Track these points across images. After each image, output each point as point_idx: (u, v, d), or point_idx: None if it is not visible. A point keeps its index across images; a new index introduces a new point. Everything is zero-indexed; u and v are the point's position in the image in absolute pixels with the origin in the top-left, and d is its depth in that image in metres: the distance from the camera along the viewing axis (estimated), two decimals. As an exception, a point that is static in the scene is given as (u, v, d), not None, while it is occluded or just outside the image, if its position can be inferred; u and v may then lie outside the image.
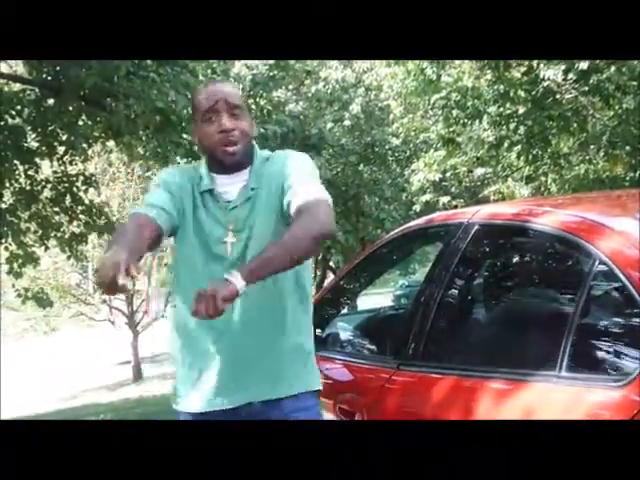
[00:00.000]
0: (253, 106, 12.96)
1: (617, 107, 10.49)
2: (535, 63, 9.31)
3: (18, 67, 10.47)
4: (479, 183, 14.21)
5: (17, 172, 9.89)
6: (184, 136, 10.16)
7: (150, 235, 2.25)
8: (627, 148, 10.51)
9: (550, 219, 2.50)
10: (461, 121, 10.59)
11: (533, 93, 9.67)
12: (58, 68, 8.86)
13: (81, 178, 10.64)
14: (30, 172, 10.05)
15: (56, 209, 10.48)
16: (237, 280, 1.99)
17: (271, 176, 2.37)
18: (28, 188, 10.09)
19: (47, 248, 10.97)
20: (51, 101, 9.53)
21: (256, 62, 13.86)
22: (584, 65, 9.03)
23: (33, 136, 9.95)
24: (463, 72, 10.56)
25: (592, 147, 11.15)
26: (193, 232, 2.39)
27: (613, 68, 9.59)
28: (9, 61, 10.27)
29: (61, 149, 10.12)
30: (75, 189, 10.47)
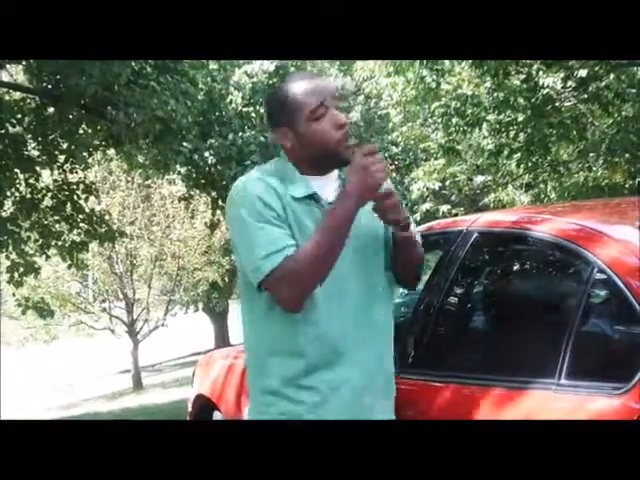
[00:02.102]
0: (253, 114, 12.98)
1: (616, 115, 10.50)
2: (534, 71, 9.32)
3: (19, 76, 10.50)
4: (479, 191, 14.22)
5: (17, 181, 9.90)
6: (184, 144, 10.19)
7: None
8: (626, 156, 10.53)
9: (549, 227, 2.50)
10: (461, 129, 10.58)
11: (532, 101, 9.67)
12: (58, 77, 8.88)
13: (81, 186, 10.65)
14: (30, 180, 10.06)
15: (56, 217, 10.48)
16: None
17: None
18: (29, 197, 10.10)
19: (48, 257, 10.97)
20: (51, 110, 9.55)
21: (256, 70, 13.87)
22: (583, 73, 9.05)
23: (33, 145, 9.97)
24: (463, 80, 10.57)
25: (591, 155, 11.15)
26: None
27: (612, 75, 9.61)
28: (10, 69, 10.30)
29: (61, 157, 10.14)
30: (75, 197, 10.48)
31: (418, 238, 2.28)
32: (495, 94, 10.00)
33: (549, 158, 11.09)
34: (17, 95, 10.03)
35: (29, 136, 9.77)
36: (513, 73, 9.72)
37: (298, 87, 2.22)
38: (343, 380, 2.17)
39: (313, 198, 2.21)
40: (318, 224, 2.13)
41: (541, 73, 9.22)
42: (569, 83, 9.57)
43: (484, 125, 10.60)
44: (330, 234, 2.09)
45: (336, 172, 2.27)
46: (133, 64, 9.05)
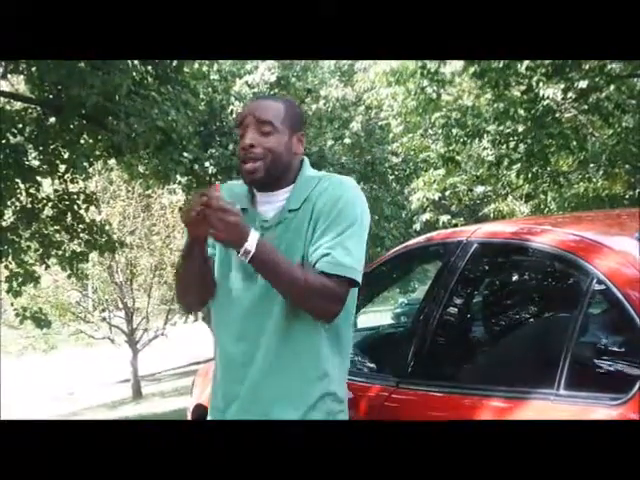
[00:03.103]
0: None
1: (616, 126, 10.54)
2: (535, 82, 9.35)
3: (20, 85, 10.54)
4: (479, 201, 14.25)
5: (18, 190, 9.91)
6: (184, 154, 10.20)
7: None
8: (626, 167, 10.56)
9: (549, 238, 2.51)
10: (461, 140, 10.62)
11: (533, 112, 9.71)
12: (60, 87, 8.91)
13: (82, 196, 10.67)
14: (31, 190, 10.08)
15: (57, 227, 10.49)
16: (252, 239, 2.07)
17: (313, 203, 2.25)
18: (29, 206, 10.11)
19: (47, 267, 10.97)
20: (53, 120, 9.58)
21: (257, 80, 13.92)
22: (583, 84, 9.08)
23: (34, 154, 9.99)
24: (463, 91, 10.62)
25: (592, 165, 11.19)
26: (230, 251, 2.27)
27: (612, 87, 9.64)
28: (11, 79, 10.33)
29: (62, 167, 10.16)
30: (76, 207, 10.49)
31: (289, 277, 2.16)
32: (495, 105, 10.03)
33: (549, 169, 11.12)
34: (18, 105, 10.07)
35: (30, 146, 9.79)
36: (513, 84, 9.75)
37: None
38: (234, 395, 2.28)
39: (246, 213, 2.28)
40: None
41: (541, 84, 9.25)
42: (569, 94, 9.60)
43: (484, 136, 10.63)
44: None
45: (286, 192, 2.31)
46: (134, 74, 9.08)
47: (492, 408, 2.30)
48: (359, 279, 2.22)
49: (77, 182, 10.77)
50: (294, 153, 2.32)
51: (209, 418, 2.40)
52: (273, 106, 2.29)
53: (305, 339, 2.23)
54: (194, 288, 2.34)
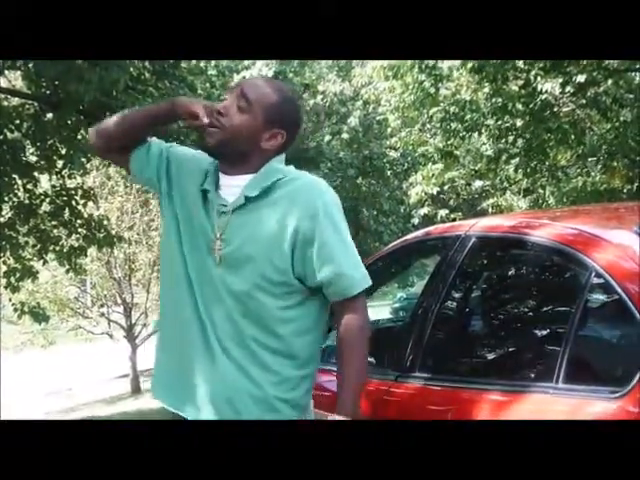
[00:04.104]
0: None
1: (615, 120, 10.53)
2: (533, 76, 9.34)
3: (17, 81, 10.51)
4: (477, 196, 14.25)
5: (16, 186, 9.89)
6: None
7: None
8: (625, 160, 10.56)
9: (547, 231, 2.51)
10: (459, 134, 10.61)
11: (531, 106, 9.70)
12: (57, 82, 8.89)
13: (80, 192, 10.65)
14: (29, 186, 10.05)
15: (55, 223, 10.47)
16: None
17: (279, 204, 2.14)
18: (27, 202, 10.10)
19: (45, 262, 10.96)
20: (50, 115, 9.55)
21: (254, 76, 13.89)
22: (581, 78, 9.07)
23: (32, 150, 9.97)
24: (461, 85, 10.60)
25: (590, 160, 11.19)
26: (184, 225, 2.23)
27: (610, 81, 9.64)
28: (8, 75, 10.31)
29: (60, 163, 10.14)
30: (74, 203, 10.47)
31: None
32: (494, 99, 10.03)
33: (547, 163, 11.12)
34: (16, 101, 10.03)
35: (27, 142, 9.77)
36: (511, 78, 9.74)
37: None
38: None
39: (208, 194, 2.23)
40: None
41: (539, 78, 9.24)
42: (567, 88, 9.60)
43: (482, 130, 10.63)
44: None
45: (246, 179, 2.21)
46: (131, 70, 9.06)
47: (491, 401, 2.31)
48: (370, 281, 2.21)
49: (75, 178, 10.75)
50: (260, 145, 2.19)
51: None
52: (265, 91, 2.19)
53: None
54: (126, 127, 2.34)
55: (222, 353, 2.14)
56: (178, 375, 2.21)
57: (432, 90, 10.51)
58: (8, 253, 9.82)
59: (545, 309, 2.68)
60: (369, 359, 3.48)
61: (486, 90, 10.11)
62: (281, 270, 2.13)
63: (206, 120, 2.15)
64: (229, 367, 2.13)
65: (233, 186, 2.20)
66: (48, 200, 10.36)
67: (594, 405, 2.00)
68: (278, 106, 2.19)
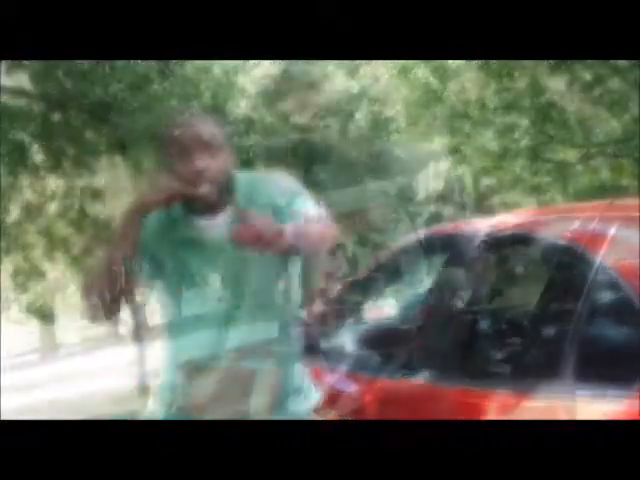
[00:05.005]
0: (257, 119, 13.01)
1: (621, 117, 10.50)
2: (539, 73, 9.32)
3: (24, 82, 10.53)
4: (484, 193, 14.22)
5: (24, 186, 9.92)
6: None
7: None
8: (635, 154, 10.52)
9: (554, 229, 2.50)
10: (466, 131, 10.60)
11: (537, 103, 9.68)
12: (63, 82, 8.91)
13: (87, 192, 10.67)
14: (36, 186, 10.09)
15: (62, 223, 10.50)
16: None
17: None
18: (34, 202, 10.13)
19: (53, 262, 10.99)
20: (57, 115, 9.57)
21: (258, 75, 13.91)
22: (588, 75, 9.05)
23: (39, 150, 9.99)
24: (467, 82, 10.58)
25: (597, 157, 11.16)
26: (177, 276, 2.26)
27: (617, 79, 9.61)
28: (15, 76, 10.33)
29: (67, 163, 10.16)
30: (81, 203, 10.50)
31: None
32: (500, 96, 10.01)
33: (554, 160, 11.09)
34: (22, 101, 10.05)
35: (35, 142, 9.79)
36: (518, 76, 9.73)
37: (174, 127, 2.26)
38: None
39: (192, 240, 2.27)
40: None
41: (546, 76, 9.22)
42: (574, 86, 9.57)
43: (489, 128, 10.62)
44: None
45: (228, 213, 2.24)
46: (137, 69, 9.08)
47: (499, 401, 2.30)
48: None
49: (82, 178, 10.78)
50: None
51: None
52: (211, 127, 2.22)
53: None
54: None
55: None
56: None
57: (438, 87, 10.50)
58: (16, 253, 9.85)
59: (552, 307, 2.67)
60: (375, 357, 3.49)
61: (493, 88, 10.09)
62: None
63: (204, 188, 2.15)
64: None
65: (217, 219, 2.24)
66: (56, 200, 10.39)
67: (602, 404, 1.99)
68: (219, 130, 2.26)
